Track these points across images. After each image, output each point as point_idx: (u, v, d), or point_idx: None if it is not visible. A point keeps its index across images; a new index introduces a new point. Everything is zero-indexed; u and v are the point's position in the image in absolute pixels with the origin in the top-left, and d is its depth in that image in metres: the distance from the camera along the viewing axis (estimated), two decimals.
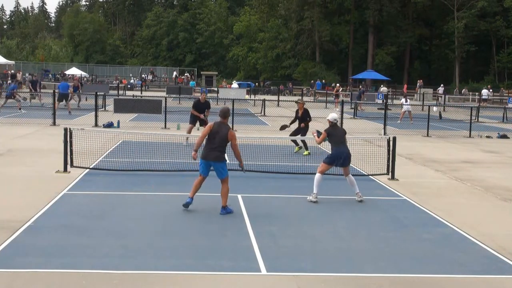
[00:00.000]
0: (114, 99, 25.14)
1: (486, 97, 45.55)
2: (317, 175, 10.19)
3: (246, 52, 79.61)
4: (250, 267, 6.72)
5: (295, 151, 16.03)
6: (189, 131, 16.51)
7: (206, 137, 9.15)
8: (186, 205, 9.19)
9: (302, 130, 15.96)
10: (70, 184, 10.93)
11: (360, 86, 42.06)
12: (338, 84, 48.38)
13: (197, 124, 16.93)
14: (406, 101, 28.59)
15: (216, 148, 9.01)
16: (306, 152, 15.69)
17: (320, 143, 10.62)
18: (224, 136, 9.02)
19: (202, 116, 16.46)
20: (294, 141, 16.08)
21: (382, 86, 52.17)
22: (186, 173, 12.25)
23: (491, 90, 50.64)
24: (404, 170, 13.43)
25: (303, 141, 15.75)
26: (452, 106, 37.45)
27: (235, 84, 50.81)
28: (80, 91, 32.52)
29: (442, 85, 53.49)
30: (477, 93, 51.26)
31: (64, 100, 27.03)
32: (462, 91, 57.09)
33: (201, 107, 16.68)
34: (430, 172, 13.89)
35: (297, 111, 16.28)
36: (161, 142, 14.84)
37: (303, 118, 15.97)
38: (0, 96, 36.94)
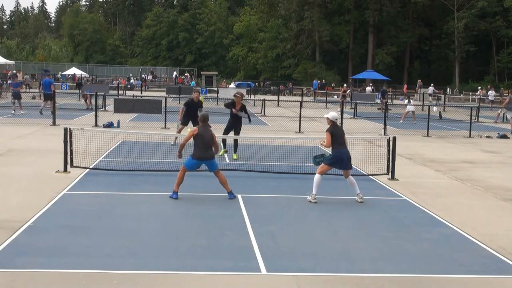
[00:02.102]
0: (114, 99, 25.15)
1: (492, 98, 44.82)
2: (316, 176, 10.13)
3: (246, 52, 79.64)
4: (250, 267, 6.72)
5: (219, 154, 14.10)
6: (180, 131, 16.34)
7: (194, 140, 10.00)
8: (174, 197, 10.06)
9: (236, 128, 14.67)
10: (70, 184, 10.93)
11: (384, 87, 42.02)
12: (345, 85, 48.66)
13: (190, 124, 16.46)
14: (410, 102, 28.62)
15: (209, 148, 10.06)
16: (222, 152, 14.37)
17: (329, 146, 10.25)
18: (211, 136, 10.12)
19: (179, 118, 16.16)
20: (224, 142, 14.70)
21: (370, 85, 52.26)
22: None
23: (479, 89, 50.44)
24: (404, 170, 13.43)
25: (235, 141, 14.57)
26: (452, 106, 37.46)
27: (232, 85, 50.90)
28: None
29: (432, 84, 53.54)
30: (476, 94, 51.21)
31: (47, 100, 24.73)
32: (453, 91, 57.00)
33: (194, 106, 16.30)
34: (430, 172, 13.88)
35: (233, 104, 14.62)
36: (161, 142, 14.84)
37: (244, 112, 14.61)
38: (0, 96, 37.04)
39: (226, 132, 14.71)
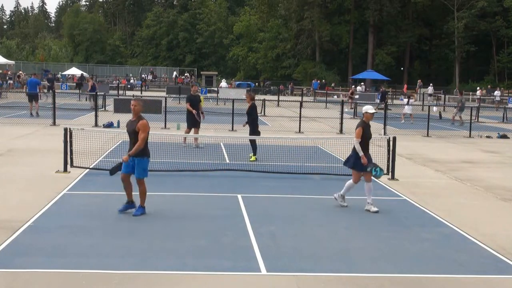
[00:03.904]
0: (114, 99, 25.12)
1: (499, 99, 44.14)
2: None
3: (246, 52, 79.65)
4: (250, 267, 6.72)
5: (250, 160, 14.38)
6: (188, 132, 16.45)
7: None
8: (124, 210, 8.89)
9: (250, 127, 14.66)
10: (70, 184, 10.93)
11: (382, 88, 42.06)
12: (353, 86, 48.79)
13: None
14: (408, 102, 28.62)
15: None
16: (252, 158, 14.42)
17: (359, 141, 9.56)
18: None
19: (195, 112, 16.17)
20: (254, 146, 14.56)
21: (361, 84, 52.22)
22: (185, 173, 12.25)
23: (479, 89, 50.44)
24: (404, 170, 13.42)
25: (252, 142, 14.51)
26: (452, 106, 37.45)
27: (223, 83, 51.03)
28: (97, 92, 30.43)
29: (431, 84, 53.54)
30: (474, 93, 51.27)
31: (33, 101, 24.66)
32: (454, 91, 57.00)
33: (194, 100, 16.42)
34: (430, 172, 13.88)
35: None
36: (161, 142, 14.84)
37: (248, 114, 14.62)
38: (0, 96, 37.06)
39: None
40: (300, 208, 9.73)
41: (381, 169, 9.67)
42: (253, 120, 14.73)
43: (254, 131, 14.66)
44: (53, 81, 37.26)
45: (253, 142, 14.62)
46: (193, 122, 16.30)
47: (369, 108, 9.76)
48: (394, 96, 49.84)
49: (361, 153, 9.46)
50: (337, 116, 23.52)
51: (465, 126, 24.25)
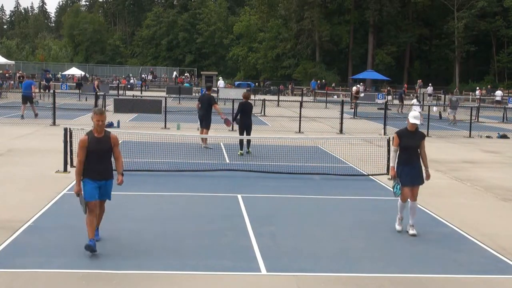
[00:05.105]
0: (114, 99, 25.11)
1: (500, 99, 43.68)
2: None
3: (246, 52, 79.61)
4: (250, 267, 6.72)
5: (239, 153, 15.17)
6: (207, 133, 16.26)
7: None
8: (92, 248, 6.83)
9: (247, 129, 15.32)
10: (70, 184, 10.89)
11: (403, 89, 42.21)
12: (358, 86, 48.77)
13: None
14: (417, 102, 28.76)
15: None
16: (240, 152, 15.15)
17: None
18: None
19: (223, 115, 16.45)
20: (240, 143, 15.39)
21: (358, 85, 52.28)
22: (185, 173, 12.25)
23: (478, 89, 50.28)
24: None
25: (247, 140, 15.24)
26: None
27: (221, 81, 51.14)
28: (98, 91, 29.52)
29: (430, 84, 53.53)
30: (474, 93, 51.25)
31: (28, 102, 24.25)
32: (454, 91, 57.07)
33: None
34: (430, 172, 13.84)
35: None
36: (161, 142, 14.84)
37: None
38: (0, 96, 37.07)
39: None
40: (300, 208, 9.73)
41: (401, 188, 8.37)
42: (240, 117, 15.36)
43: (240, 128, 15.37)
44: (50, 81, 37.62)
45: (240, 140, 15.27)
46: (209, 123, 16.33)
47: (410, 117, 8.24)
48: (394, 97, 49.80)
49: (391, 163, 8.42)
50: (337, 116, 23.51)
51: (465, 126, 24.20)
